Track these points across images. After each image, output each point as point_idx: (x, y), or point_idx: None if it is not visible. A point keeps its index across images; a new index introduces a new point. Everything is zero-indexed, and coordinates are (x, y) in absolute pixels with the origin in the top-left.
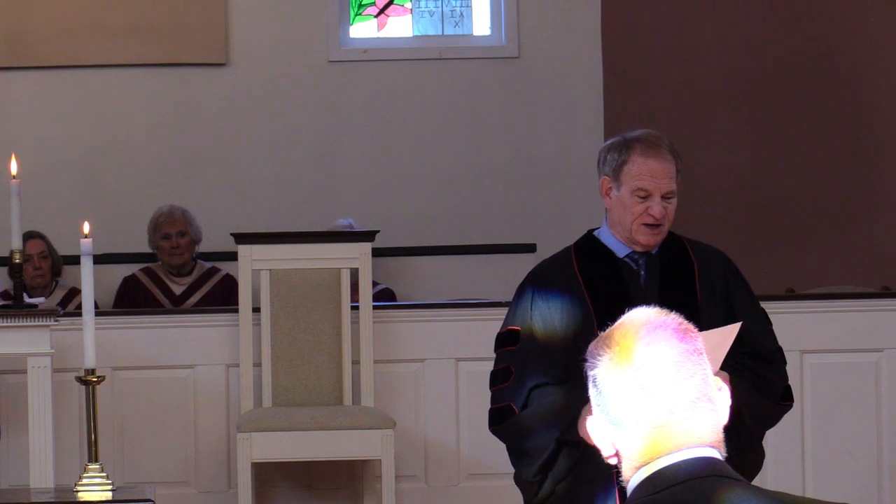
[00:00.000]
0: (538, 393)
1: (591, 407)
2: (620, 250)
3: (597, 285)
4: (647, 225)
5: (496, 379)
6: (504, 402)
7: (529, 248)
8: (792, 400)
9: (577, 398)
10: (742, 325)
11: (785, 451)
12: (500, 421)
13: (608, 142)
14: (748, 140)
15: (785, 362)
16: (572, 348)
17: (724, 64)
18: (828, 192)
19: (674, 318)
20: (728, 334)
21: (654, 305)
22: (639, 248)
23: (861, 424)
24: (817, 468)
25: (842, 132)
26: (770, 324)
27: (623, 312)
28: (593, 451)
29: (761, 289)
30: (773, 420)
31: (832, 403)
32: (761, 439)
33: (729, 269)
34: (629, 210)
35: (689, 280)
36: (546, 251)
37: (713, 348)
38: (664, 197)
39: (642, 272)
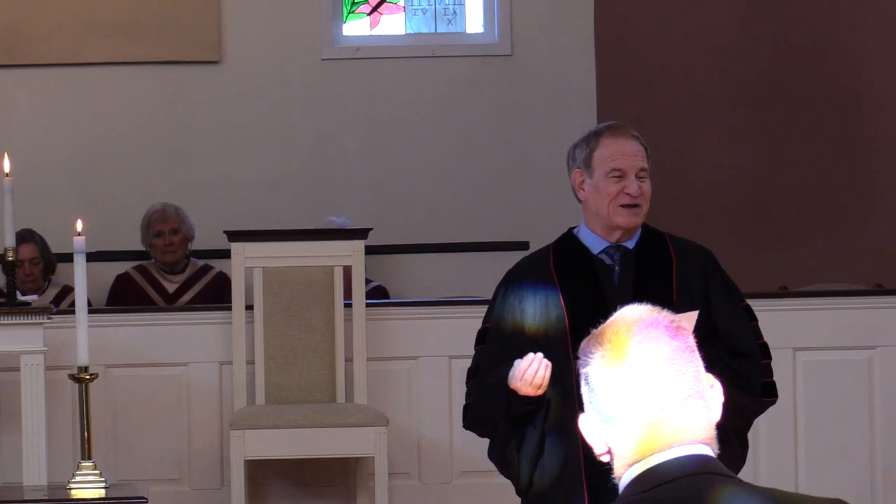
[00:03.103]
0: (482, 384)
1: (516, 370)
2: (596, 246)
3: (571, 283)
4: (624, 206)
5: (468, 376)
6: (469, 398)
7: (522, 246)
8: (775, 396)
9: (505, 374)
10: (718, 321)
11: (778, 448)
12: (466, 416)
13: (575, 140)
14: (742, 138)
15: (769, 358)
16: (542, 345)
17: (717, 63)
18: (821, 190)
19: (666, 316)
20: (686, 322)
21: (628, 302)
22: (618, 235)
23: (854, 421)
24: (810, 465)
25: (835, 131)
26: (754, 319)
27: (596, 309)
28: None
29: (754, 286)
30: (751, 415)
31: (825, 401)
32: (743, 433)
33: (709, 265)
34: (604, 192)
35: (666, 276)
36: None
37: None
38: (638, 176)
39: (617, 268)
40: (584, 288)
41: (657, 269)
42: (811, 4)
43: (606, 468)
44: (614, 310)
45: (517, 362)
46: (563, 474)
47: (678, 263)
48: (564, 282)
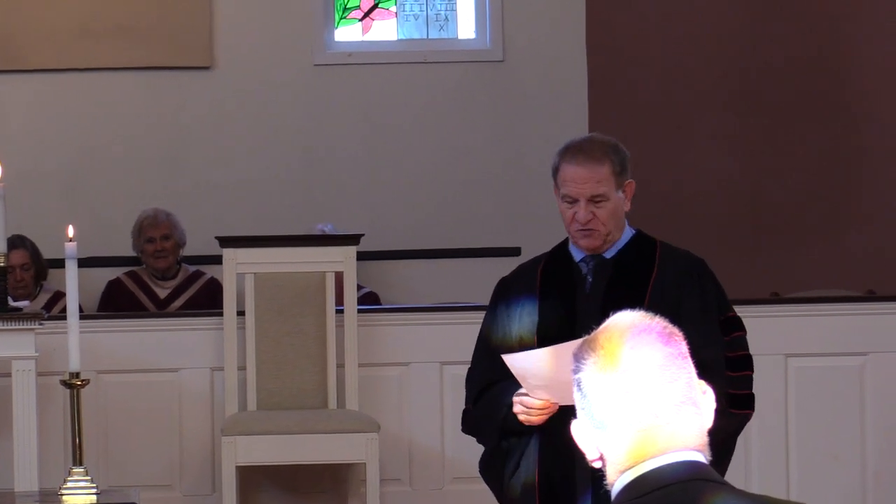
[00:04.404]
0: (486, 393)
1: (519, 393)
2: (577, 255)
3: (549, 291)
4: (580, 230)
5: (466, 381)
6: (466, 404)
7: (514, 252)
8: (751, 408)
9: (511, 391)
10: (683, 331)
11: (770, 454)
12: (462, 422)
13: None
14: (733, 144)
15: (749, 370)
16: (519, 349)
17: (709, 68)
18: (813, 196)
19: (658, 322)
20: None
21: (597, 311)
22: (588, 252)
23: (845, 428)
24: (802, 471)
25: (827, 137)
26: (739, 331)
27: (564, 318)
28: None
29: (746, 293)
30: (721, 430)
31: (817, 407)
32: (717, 447)
33: (690, 275)
34: (565, 216)
35: (641, 286)
36: (530, 255)
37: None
38: (592, 201)
39: (589, 277)
40: (558, 297)
41: (633, 278)
42: (802, 12)
43: (559, 487)
44: (582, 318)
45: (522, 396)
46: (525, 488)
47: (658, 273)
48: (545, 290)
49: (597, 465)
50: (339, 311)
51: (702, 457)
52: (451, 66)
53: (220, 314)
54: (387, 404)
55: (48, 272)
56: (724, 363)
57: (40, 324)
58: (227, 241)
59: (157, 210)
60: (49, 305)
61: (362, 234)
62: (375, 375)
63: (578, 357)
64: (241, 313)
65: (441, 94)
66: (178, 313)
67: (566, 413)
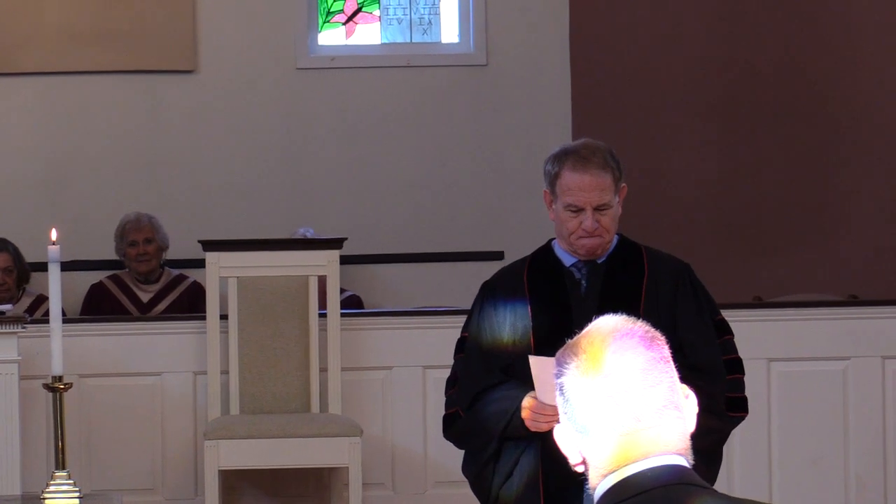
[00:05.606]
0: (483, 397)
1: (530, 398)
2: (567, 260)
3: (540, 294)
4: (583, 237)
5: (448, 385)
6: (452, 407)
7: (497, 256)
8: (745, 411)
9: (514, 396)
10: (682, 334)
11: (752, 459)
12: (449, 426)
13: (550, 153)
14: (716, 148)
15: (741, 373)
16: (512, 353)
17: (692, 74)
18: (795, 200)
19: (641, 326)
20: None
21: (594, 315)
22: (582, 258)
23: (828, 432)
24: (784, 476)
25: (810, 142)
26: (729, 334)
27: (560, 322)
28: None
29: (728, 297)
30: (717, 433)
31: (799, 411)
32: (709, 453)
33: (682, 279)
34: (565, 224)
35: (635, 290)
36: (514, 259)
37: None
38: (597, 209)
39: (584, 282)
40: (552, 300)
41: (626, 281)
42: (783, 18)
43: (565, 482)
44: (579, 322)
45: (533, 400)
46: (526, 489)
47: (649, 277)
48: (534, 294)
49: (579, 469)
50: (322, 315)
51: (684, 461)
52: (434, 70)
53: (203, 318)
54: (370, 408)
55: (31, 275)
56: (723, 365)
57: (23, 327)
58: (210, 245)
59: (140, 213)
60: (32, 309)
61: (345, 238)
62: (358, 379)
63: (561, 361)
64: (223, 317)
65: (424, 98)
66: (161, 317)
67: None
